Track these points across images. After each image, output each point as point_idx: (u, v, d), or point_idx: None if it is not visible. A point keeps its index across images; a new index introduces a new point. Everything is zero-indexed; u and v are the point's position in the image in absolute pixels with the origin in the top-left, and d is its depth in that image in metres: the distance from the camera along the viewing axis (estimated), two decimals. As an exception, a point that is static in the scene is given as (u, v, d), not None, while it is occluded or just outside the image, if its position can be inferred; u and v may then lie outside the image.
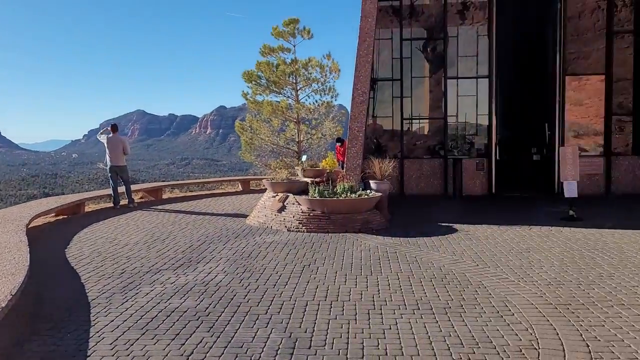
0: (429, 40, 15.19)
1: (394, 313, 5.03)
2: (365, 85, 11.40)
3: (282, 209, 10.14)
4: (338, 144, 14.10)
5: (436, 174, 14.73)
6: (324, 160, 13.47)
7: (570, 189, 10.35)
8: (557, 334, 4.40)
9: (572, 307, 5.14)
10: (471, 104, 15.41)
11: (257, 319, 4.92)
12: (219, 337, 4.47)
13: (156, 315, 5.03)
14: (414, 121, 15.48)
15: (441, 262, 7.09)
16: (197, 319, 4.92)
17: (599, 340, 4.28)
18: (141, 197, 14.97)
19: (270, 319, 4.91)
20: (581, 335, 4.39)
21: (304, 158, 12.64)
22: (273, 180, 10.88)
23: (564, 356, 3.97)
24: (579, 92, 14.62)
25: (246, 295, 5.66)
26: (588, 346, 4.15)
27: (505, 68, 18.86)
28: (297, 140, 19.38)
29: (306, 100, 19.31)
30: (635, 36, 14.24)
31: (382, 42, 15.33)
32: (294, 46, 19.19)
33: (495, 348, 4.15)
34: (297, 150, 19.27)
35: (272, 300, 5.47)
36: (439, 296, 5.56)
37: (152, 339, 4.44)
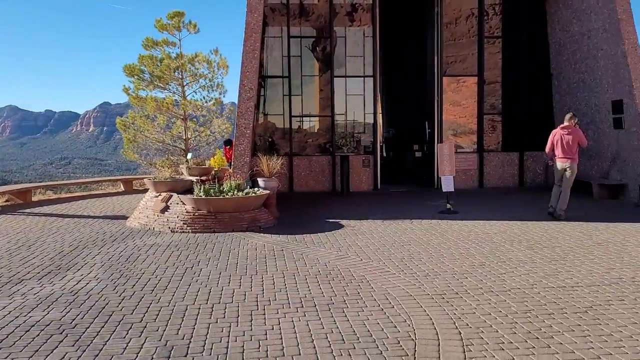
0: (319, 40, 15.35)
1: (277, 313, 4.93)
2: (252, 82, 11.22)
3: (165, 209, 9.69)
4: (227, 147, 13.73)
5: (324, 171, 14.92)
6: (212, 158, 13.10)
7: (447, 184, 10.93)
8: (433, 324, 4.55)
9: (447, 296, 5.36)
10: (359, 102, 15.78)
11: (130, 328, 4.59)
12: (84, 350, 4.09)
13: (13, 331, 4.52)
14: (304, 119, 15.58)
15: (327, 258, 7.13)
16: (61, 332, 4.48)
17: (470, 327, 4.48)
18: (7, 200, 13.61)
19: (145, 327, 4.61)
20: (454, 323, 4.58)
21: (189, 156, 12.20)
22: (155, 180, 10.36)
23: (438, 345, 4.10)
24: (456, 93, 15.54)
25: (120, 303, 5.28)
26: (460, 334, 4.33)
27: (391, 68, 19.65)
28: (184, 137, 18.77)
29: (193, 96, 18.78)
30: (504, 42, 15.40)
31: (273, 40, 15.22)
32: (180, 40, 18.57)
33: (374, 342, 4.19)
34: (184, 148, 18.65)
35: (149, 307, 5.15)
36: (323, 293, 5.55)
37: (6, 358, 3.97)
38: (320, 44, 15.35)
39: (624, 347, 4.07)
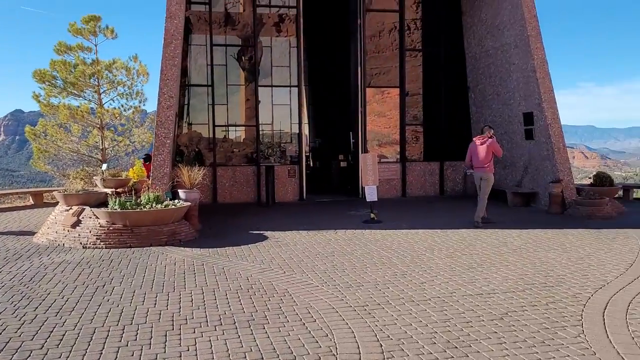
0: (245, 49, 15.13)
1: (194, 332, 4.69)
2: (172, 90, 10.84)
3: (76, 223, 9.10)
4: (146, 163, 12.76)
5: (249, 182, 14.68)
6: (131, 170, 12.53)
7: (371, 193, 11.03)
8: (355, 338, 4.48)
9: (369, 307, 5.33)
10: (286, 112, 15.71)
11: (29, 356, 4.19)
12: (-28, 385, 3.68)
13: None
14: (230, 129, 15.28)
15: (249, 271, 6.93)
16: (-54, 366, 4.01)
17: (392, 339, 4.45)
18: None
19: (47, 354, 4.22)
20: (376, 335, 4.53)
21: (104, 167, 11.59)
22: (66, 192, 9.72)
23: (360, 359, 4.03)
24: (380, 104, 15.81)
25: (19, 329, 4.83)
26: (382, 346, 4.29)
27: (318, 79, 19.76)
28: (101, 147, 17.87)
29: (111, 104, 17.95)
30: (424, 55, 15.88)
31: (198, 48, 14.84)
32: (96, 45, 17.71)
33: (295, 359, 4.06)
34: (101, 159, 17.75)
35: (52, 332, 4.74)
36: (243, 309, 5.36)
37: None
38: (246, 53, 15.15)
39: (537, 352, 4.18)
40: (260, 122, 15.20)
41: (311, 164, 20.46)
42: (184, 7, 11.58)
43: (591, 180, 13.01)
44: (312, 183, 17.42)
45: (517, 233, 9.63)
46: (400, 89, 15.61)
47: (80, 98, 17.44)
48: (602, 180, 12.43)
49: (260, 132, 15.24)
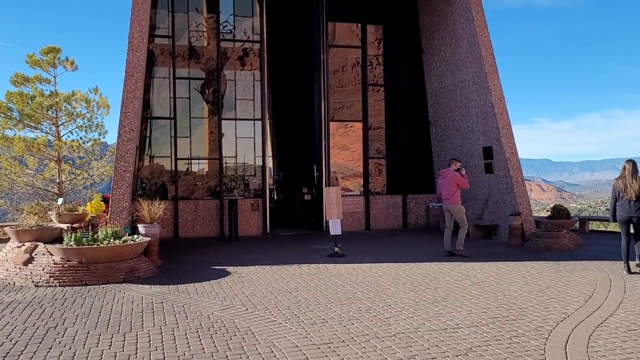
0: (209, 82, 15.10)
1: (151, 375, 4.48)
2: (133, 122, 10.66)
3: (29, 261, 8.70)
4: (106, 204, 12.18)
5: (212, 216, 14.45)
6: (89, 204, 12.15)
7: (335, 227, 10.99)
8: (319, 377, 4.36)
9: (333, 345, 5.22)
10: (250, 145, 15.67)
11: (-30, 406, 3.90)
12: None
13: None
14: (194, 161, 15.10)
15: (210, 309, 6.73)
16: None
17: (356, 378, 4.35)
18: None
19: (-11, 403, 3.94)
20: (340, 374, 4.42)
21: (60, 201, 11.19)
22: (18, 228, 9.32)
23: (324, 400, 3.91)
24: (344, 137, 15.96)
25: (-40, 376, 4.52)
26: (346, 386, 4.17)
27: (282, 112, 19.86)
28: (57, 181, 17.35)
29: (69, 136, 17.54)
30: (386, 90, 16.18)
31: (162, 80, 14.73)
32: (55, 77, 17.38)
33: (257, 402, 3.91)
34: (57, 193, 17.21)
35: (-3, 378, 4.45)
36: (204, 349, 5.17)
37: None
38: (210, 86, 15.12)
39: (502, 388, 4.15)
40: (224, 155, 15.11)
41: (275, 197, 20.38)
42: (146, 40, 11.53)
43: (549, 213, 13.32)
44: (276, 216, 17.31)
45: (480, 266, 9.71)
46: (363, 123, 15.82)
47: (37, 130, 16.97)
48: (559, 212, 12.76)
49: (224, 165, 15.13)
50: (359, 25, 15.90)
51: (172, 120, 14.52)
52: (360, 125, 15.85)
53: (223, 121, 15.02)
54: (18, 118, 16.19)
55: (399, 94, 16.20)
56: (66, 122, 17.03)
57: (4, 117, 16.14)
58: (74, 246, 8.56)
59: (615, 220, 9.25)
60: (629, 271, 8.87)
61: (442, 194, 11.03)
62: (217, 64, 14.99)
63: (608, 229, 16.94)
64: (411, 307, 6.78)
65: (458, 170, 11.01)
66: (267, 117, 15.30)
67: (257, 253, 11.61)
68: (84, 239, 8.74)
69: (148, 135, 14.65)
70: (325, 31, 15.31)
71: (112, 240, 8.82)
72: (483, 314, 6.40)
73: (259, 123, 15.46)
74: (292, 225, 16.54)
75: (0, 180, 16.66)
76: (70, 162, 17.83)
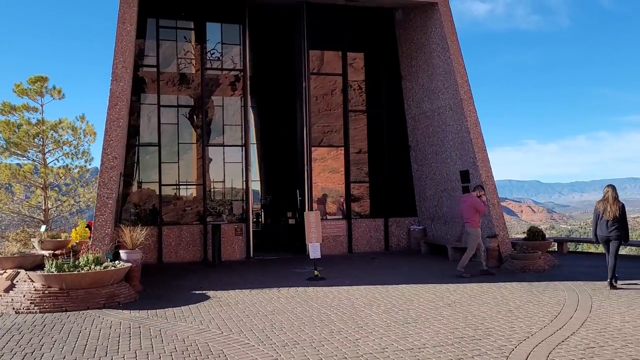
0: (197, 109, 15.39)
1: (122, 397, 4.65)
2: (116, 150, 10.91)
3: (10, 288, 8.84)
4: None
5: (196, 241, 14.62)
6: (74, 230, 12.31)
7: (314, 251, 11.22)
8: (282, 396, 4.55)
9: (301, 366, 5.41)
10: (238, 170, 15.95)
11: None
12: None
13: None
14: (182, 187, 15.31)
15: (186, 333, 6.90)
16: None
17: (318, 396, 4.55)
18: None
19: None
20: (303, 393, 4.61)
21: (43, 228, 11.36)
22: (0, 255, 9.47)
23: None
24: (326, 162, 16.27)
25: (-64, 400, 4.66)
26: (307, 404, 4.37)
27: (269, 137, 20.22)
28: (43, 208, 17.48)
29: (56, 164, 17.72)
30: (368, 116, 16.55)
31: (151, 107, 14.98)
32: (42, 105, 17.64)
33: (220, 420, 4.10)
34: (43, 220, 17.31)
35: (-29, 402, 4.60)
36: (175, 371, 5.35)
37: None
38: (198, 112, 15.42)
39: (455, 404, 4.36)
40: (212, 180, 15.40)
41: (262, 221, 20.57)
42: (130, 70, 11.85)
43: (525, 235, 13.63)
44: (262, 240, 17.54)
45: (455, 287, 9.95)
46: (344, 148, 16.15)
47: (24, 158, 17.15)
48: (534, 234, 13.05)
49: (212, 190, 15.40)
50: (340, 52, 16.34)
51: (158, 147, 14.75)
52: (341, 150, 16.18)
53: (211, 147, 15.30)
54: (4, 146, 16.37)
55: (380, 120, 16.59)
56: (53, 149, 17.23)
57: (-9, 145, 16.32)
58: (55, 273, 8.72)
59: (597, 240, 9.93)
60: (613, 287, 9.48)
61: (462, 216, 11.64)
62: (202, 90, 15.31)
63: (585, 250, 17.28)
64: (382, 328, 6.99)
65: (479, 197, 11.52)
66: (249, 142, 15.58)
67: (238, 277, 11.78)
68: (65, 265, 8.90)
69: (136, 161, 14.87)
70: (307, 59, 15.73)
71: (92, 267, 8.98)
72: (450, 334, 6.63)
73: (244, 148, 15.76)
74: (277, 249, 16.72)
75: (-13, 209, 16.74)
76: (57, 188, 17.97)
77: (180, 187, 15.32)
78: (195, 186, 15.44)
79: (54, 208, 17.82)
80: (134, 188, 14.86)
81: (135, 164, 14.89)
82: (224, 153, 15.84)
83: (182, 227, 14.63)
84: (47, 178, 17.00)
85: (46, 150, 17.44)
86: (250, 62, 19.20)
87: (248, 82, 15.48)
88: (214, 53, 17.58)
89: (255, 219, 20.40)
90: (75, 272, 8.74)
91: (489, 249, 12.67)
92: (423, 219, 16.19)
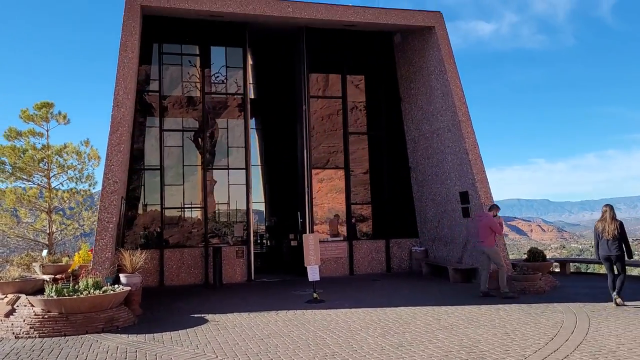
0: (200, 131, 15.58)
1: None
2: (117, 175, 11.08)
3: (10, 312, 8.93)
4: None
5: (197, 264, 14.69)
6: (77, 254, 12.43)
7: (313, 273, 11.25)
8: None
9: (291, 390, 5.44)
10: (242, 192, 16.07)
11: None
12: None
13: None
14: (188, 209, 15.45)
15: (182, 357, 6.95)
16: None
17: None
18: None
19: None
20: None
21: (44, 253, 11.50)
22: (1, 280, 9.59)
23: None
24: (326, 184, 16.38)
25: None
26: None
27: (273, 159, 20.37)
28: (48, 232, 17.65)
29: (60, 187, 17.95)
30: (369, 138, 16.68)
31: (156, 130, 15.15)
32: (47, 131, 17.95)
33: None
34: (47, 243, 17.47)
35: None
36: (167, 396, 5.39)
37: None
38: (203, 135, 15.62)
39: None
40: (216, 202, 15.57)
41: (267, 243, 20.61)
42: (131, 95, 12.08)
43: (525, 256, 13.60)
44: (266, 262, 17.66)
45: (453, 310, 9.93)
46: (345, 170, 16.26)
47: (29, 182, 17.39)
48: (535, 255, 13.03)
49: (217, 212, 15.54)
50: (339, 75, 16.55)
51: (160, 170, 14.91)
52: (341, 172, 16.28)
53: (214, 169, 15.47)
54: (10, 171, 16.62)
55: (380, 142, 16.71)
56: (58, 173, 17.46)
57: (-2, 170, 16.58)
58: (55, 297, 8.81)
59: (599, 258, 10.24)
60: (616, 304, 9.72)
61: (477, 236, 11.55)
62: (204, 114, 15.50)
63: (589, 271, 17.17)
64: (376, 351, 7.01)
65: (495, 216, 11.55)
66: (250, 165, 15.70)
67: (238, 300, 11.82)
68: (65, 289, 9.00)
69: (142, 184, 15.01)
70: (307, 82, 15.95)
71: (92, 291, 9.07)
72: (444, 358, 6.64)
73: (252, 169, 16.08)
74: (280, 270, 16.75)
75: (-7, 233, 16.94)
76: (61, 212, 18.16)
77: (185, 209, 15.43)
78: (198, 209, 15.57)
79: (59, 232, 17.99)
80: (138, 211, 14.99)
81: (141, 187, 15.03)
82: (228, 175, 16.05)
83: (184, 250, 14.72)
84: (52, 202, 17.19)
85: (51, 174, 17.66)
86: (254, 84, 19.66)
87: (248, 105, 15.69)
88: (218, 76, 17.86)
89: (259, 241, 20.54)
90: (75, 296, 8.83)
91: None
92: (424, 240, 16.20)
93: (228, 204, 20.33)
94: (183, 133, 15.51)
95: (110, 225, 10.77)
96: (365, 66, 16.96)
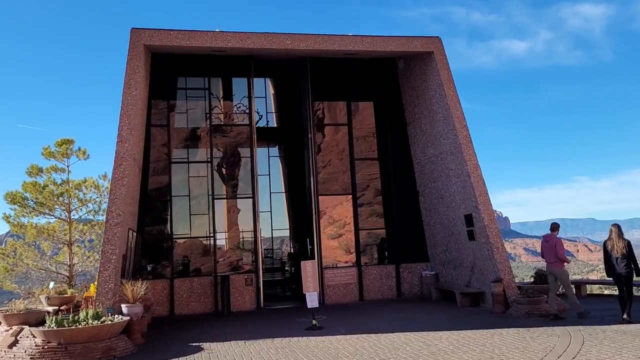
0: (227, 161, 15.98)
1: None
2: (120, 208, 11.50)
3: (14, 343, 9.32)
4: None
5: (207, 292, 14.93)
6: (92, 284, 12.86)
7: (312, 300, 11.33)
8: None
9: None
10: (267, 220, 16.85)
11: None
12: None
13: None
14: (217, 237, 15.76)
15: (163, 386, 7.12)
16: None
17: None
18: None
19: None
20: None
21: (51, 285, 11.94)
22: (7, 312, 10.02)
23: None
24: (334, 210, 16.46)
25: None
26: None
27: (295, 186, 20.54)
28: (69, 264, 18.28)
29: (81, 220, 18.61)
30: (379, 163, 16.72)
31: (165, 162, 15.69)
32: (68, 166, 18.75)
33: None
34: (68, 275, 18.10)
35: None
36: None
37: None
38: (228, 165, 16.05)
39: None
40: (241, 230, 16.06)
41: (291, 269, 20.71)
42: (135, 131, 12.58)
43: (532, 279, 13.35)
44: (284, 289, 17.88)
45: (447, 335, 9.83)
46: (352, 196, 16.35)
47: (52, 216, 18.11)
48: (541, 278, 12.74)
49: (241, 240, 15.93)
50: (344, 103, 16.78)
51: (169, 201, 15.34)
52: (349, 197, 16.37)
53: (217, 199, 15.77)
54: (33, 206, 17.37)
55: (388, 166, 16.75)
56: (78, 207, 18.13)
57: (20, 205, 17.36)
58: (54, 328, 9.15)
59: (610, 276, 10.61)
60: (625, 321, 10.07)
61: (546, 257, 11.46)
62: (211, 143, 15.87)
63: (606, 292, 16.62)
64: (354, 378, 7.03)
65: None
66: (258, 193, 15.94)
67: (240, 328, 11.95)
68: (65, 320, 9.33)
69: (169, 213, 15.41)
70: (311, 110, 16.25)
71: (90, 321, 9.38)
72: (417, 384, 6.61)
73: (276, 196, 16.46)
74: (294, 297, 16.81)
75: (17, 266, 17.64)
76: (81, 245, 18.80)
77: (212, 237, 15.68)
78: (227, 236, 15.92)
79: (80, 263, 18.59)
80: (149, 241, 15.33)
81: (169, 216, 15.40)
82: (254, 203, 16.50)
83: (193, 279, 15.01)
84: (72, 235, 17.83)
85: (72, 208, 18.34)
86: (277, 113, 19.89)
87: (255, 134, 16.01)
88: (240, 107, 18.39)
89: (283, 268, 20.74)
90: (73, 327, 9.16)
91: (494, 294, 12.47)
92: (435, 264, 16.06)
93: (253, 231, 20.66)
94: (211, 164, 15.82)
95: (114, 257, 11.14)
96: (372, 93, 17.08)
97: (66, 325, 9.27)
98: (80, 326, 9.20)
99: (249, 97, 16.18)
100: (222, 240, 15.92)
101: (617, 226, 10.69)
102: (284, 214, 21.78)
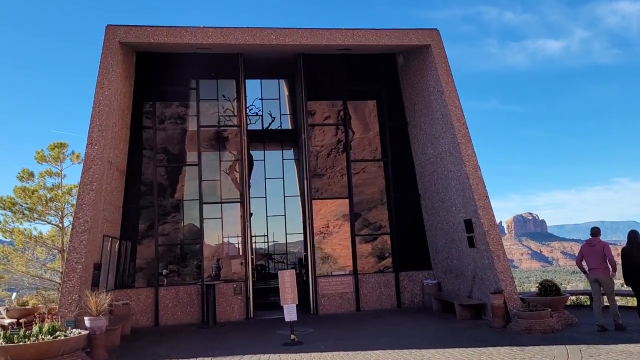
0: (236, 163, 15.30)
1: None
2: (87, 214, 10.86)
3: (-39, 359, 8.71)
4: None
5: (193, 302, 14.20)
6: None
7: (290, 313, 10.47)
8: None
9: None
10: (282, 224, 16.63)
11: None
12: None
13: None
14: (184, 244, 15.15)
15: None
16: None
17: None
18: None
19: None
20: None
21: (13, 296, 11.36)
22: (-42, 326, 9.45)
23: None
24: (326, 216, 15.51)
25: None
26: None
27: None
28: (60, 271, 17.79)
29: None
30: (384, 164, 15.72)
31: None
32: (61, 170, 18.32)
33: None
34: (59, 282, 17.59)
35: None
36: None
37: None
38: (233, 167, 15.41)
39: None
40: (254, 234, 16.20)
41: (304, 276, 19.92)
42: (109, 133, 11.96)
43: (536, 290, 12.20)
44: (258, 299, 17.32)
45: (432, 353, 8.87)
46: (349, 199, 15.43)
47: (44, 222, 17.72)
48: (547, 289, 11.57)
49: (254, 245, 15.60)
50: (341, 102, 15.88)
51: (153, 206, 14.71)
52: (344, 201, 15.44)
53: (206, 204, 15.02)
54: (24, 212, 16.97)
55: (387, 168, 15.78)
56: (70, 213, 17.67)
57: (12, 211, 16.98)
58: (2, 344, 8.51)
59: (628, 283, 10.35)
60: None
61: (590, 263, 10.64)
62: (199, 146, 15.18)
63: (621, 304, 15.24)
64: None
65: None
66: (248, 198, 15.17)
67: (217, 342, 11.16)
68: (15, 335, 8.68)
69: (182, 218, 14.83)
70: (305, 111, 15.42)
71: (42, 337, 8.71)
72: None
73: (290, 200, 17.33)
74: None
75: (9, 274, 17.29)
76: (75, 251, 18.34)
77: (186, 244, 15.04)
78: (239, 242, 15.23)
79: (74, 270, 18.12)
80: (138, 248, 14.72)
81: (182, 221, 14.84)
82: (266, 206, 17.50)
83: (179, 287, 14.29)
84: (64, 240, 17.37)
85: (65, 213, 17.90)
86: (291, 115, 19.03)
87: (245, 137, 15.22)
88: (252, 109, 17.76)
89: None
90: (20, 343, 8.49)
91: (493, 307, 11.39)
92: (437, 273, 15.00)
93: (266, 235, 19.96)
94: (220, 165, 15.18)
95: (79, 267, 10.49)
96: (372, 90, 16.13)
97: (16, 341, 8.62)
98: (29, 342, 8.54)
99: (238, 99, 15.38)
100: (211, 246, 15.16)
101: (635, 232, 10.50)
102: (299, 218, 21.10)
